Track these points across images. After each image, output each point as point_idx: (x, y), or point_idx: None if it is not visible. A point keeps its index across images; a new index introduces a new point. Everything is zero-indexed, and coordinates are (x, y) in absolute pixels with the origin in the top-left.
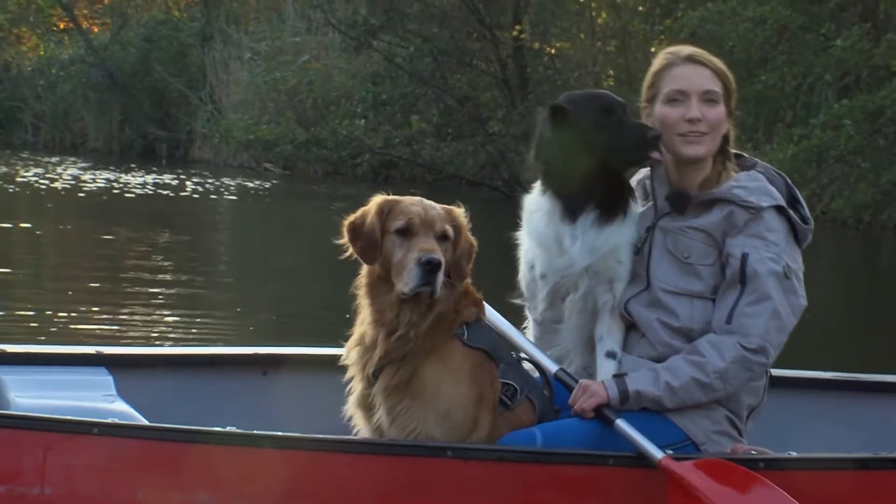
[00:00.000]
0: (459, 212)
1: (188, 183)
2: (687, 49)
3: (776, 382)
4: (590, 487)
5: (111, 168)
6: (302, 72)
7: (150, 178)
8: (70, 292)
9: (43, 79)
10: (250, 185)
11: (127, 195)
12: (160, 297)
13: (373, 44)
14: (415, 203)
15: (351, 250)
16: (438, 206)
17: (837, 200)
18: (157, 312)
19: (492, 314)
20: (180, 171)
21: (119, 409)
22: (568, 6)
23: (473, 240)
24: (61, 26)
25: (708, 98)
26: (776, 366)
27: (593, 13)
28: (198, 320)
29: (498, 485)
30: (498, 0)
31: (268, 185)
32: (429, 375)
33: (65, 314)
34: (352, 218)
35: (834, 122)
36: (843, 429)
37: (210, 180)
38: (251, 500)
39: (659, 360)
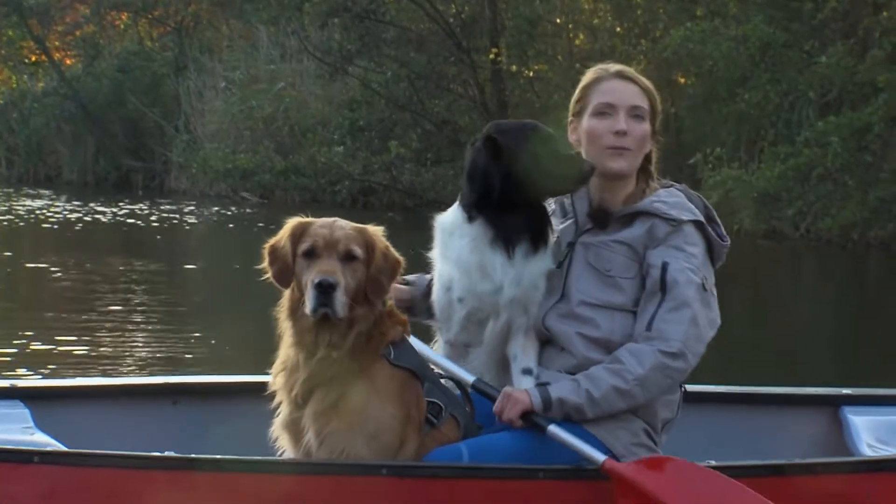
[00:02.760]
0: (374, 230)
1: (163, 213)
2: (616, 66)
3: (689, 398)
4: (522, 501)
5: (85, 200)
6: (278, 99)
7: (124, 209)
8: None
9: (16, 111)
10: (227, 214)
11: (99, 226)
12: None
13: (348, 70)
14: (323, 225)
15: (268, 274)
16: (349, 226)
17: (825, 219)
18: (94, 342)
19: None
20: (156, 201)
21: (41, 441)
22: (544, 28)
23: (398, 257)
24: (33, 59)
25: (635, 114)
26: (691, 381)
27: (570, 35)
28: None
29: (431, 501)
30: (475, 23)
31: (245, 213)
32: (356, 397)
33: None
34: (272, 241)
35: (820, 140)
36: (751, 439)
37: (187, 210)
38: None
39: (578, 372)
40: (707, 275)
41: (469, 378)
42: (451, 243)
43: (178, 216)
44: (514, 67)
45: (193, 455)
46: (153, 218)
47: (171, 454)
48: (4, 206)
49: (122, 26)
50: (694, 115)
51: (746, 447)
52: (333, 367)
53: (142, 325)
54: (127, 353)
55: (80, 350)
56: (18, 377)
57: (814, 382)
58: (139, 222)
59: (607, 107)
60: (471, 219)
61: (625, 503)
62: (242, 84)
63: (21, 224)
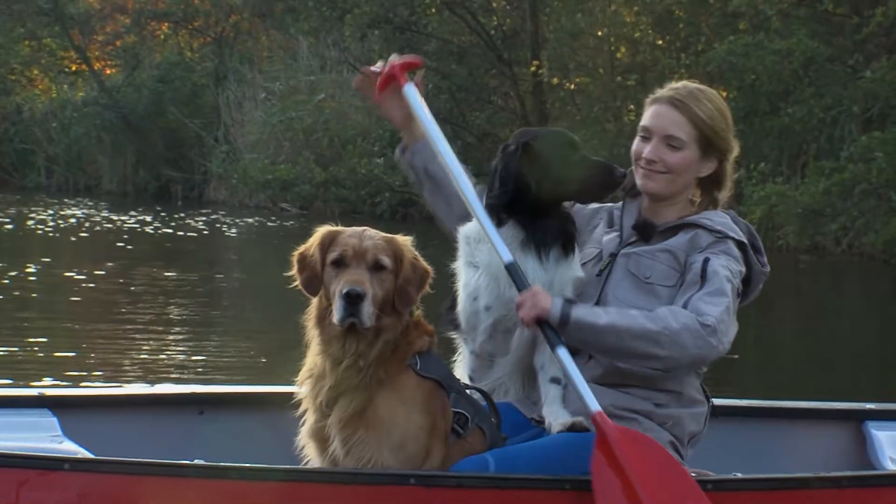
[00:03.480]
0: (403, 240)
1: (202, 223)
2: (684, 89)
3: (714, 412)
4: None
5: (124, 210)
6: (318, 111)
7: (163, 220)
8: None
9: (56, 121)
10: (266, 225)
11: (138, 236)
12: (139, 334)
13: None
14: (353, 234)
15: (297, 281)
16: (378, 236)
17: (868, 234)
18: (125, 351)
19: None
20: (195, 211)
21: (69, 449)
22: (586, 41)
23: (427, 267)
24: (73, 68)
25: (669, 143)
26: (716, 395)
27: (612, 47)
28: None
29: None
30: (516, 36)
31: (285, 224)
32: (383, 406)
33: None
34: (301, 249)
35: (864, 155)
36: (776, 453)
37: (225, 220)
38: None
39: (607, 383)
40: (738, 285)
41: (507, 257)
42: (480, 248)
43: (216, 226)
44: (555, 80)
45: (220, 463)
46: (192, 228)
47: (200, 462)
48: (44, 215)
49: (162, 36)
50: (735, 130)
51: (770, 461)
52: (359, 375)
53: (174, 335)
54: (157, 362)
55: (110, 359)
56: (47, 386)
57: (852, 397)
58: (178, 232)
59: (645, 130)
60: (500, 222)
61: (598, 454)
62: (282, 95)
63: (59, 233)
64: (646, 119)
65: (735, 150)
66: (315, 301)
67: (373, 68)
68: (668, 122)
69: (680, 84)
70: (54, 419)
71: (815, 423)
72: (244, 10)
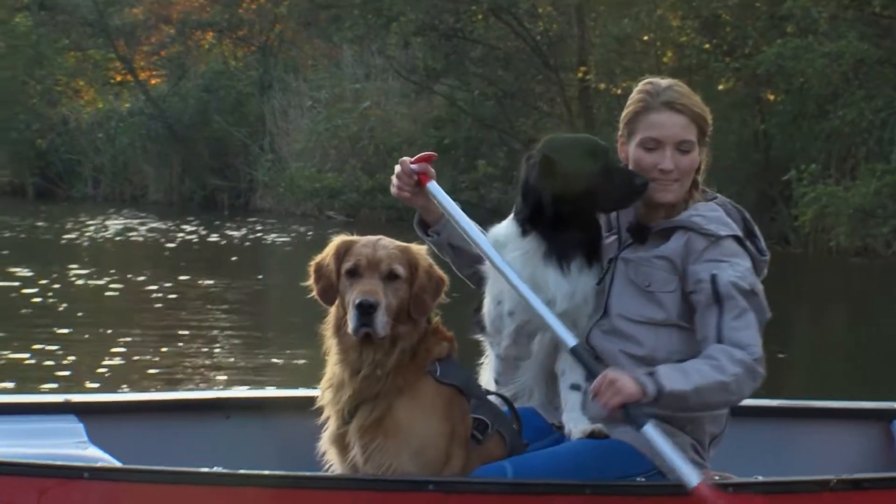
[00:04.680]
0: (417, 249)
1: (248, 231)
2: (665, 90)
3: (739, 412)
4: None
5: (170, 219)
6: (363, 118)
7: (209, 228)
8: (87, 336)
9: (102, 132)
10: (312, 232)
11: (184, 245)
12: (182, 340)
13: (434, 88)
14: (367, 244)
15: (313, 291)
16: (392, 245)
17: None
18: (163, 356)
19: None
20: (241, 220)
21: (94, 455)
22: (633, 46)
23: (442, 275)
24: (118, 79)
25: (682, 148)
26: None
27: (658, 52)
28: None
29: None
30: (562, 41)
31: (331, 232)
32: (402, 413)
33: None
34: (317, 259)
35: None
36: (804, 453)
37: (272, 228)
38: None
39: None
40: (753, 280)
41: (571, 341)
42: (504, 256)
43: (262, 235)
44: (601, 85)
45: (239, 471)
46: (237, 236)
47: (219, 469)
48: (90, 224)
49: (206, 46)
50: (783, 132)
51: (795, 462)
52: (378, 384)
53: (214, 340)
54: (190, 368)
55: (139, 365)
56: (73, 392)
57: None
58: (222, 241)
59: (653, 142)
60: (524, 233)
61: None
62: (327, 103)
63: (103, 243)
64: (649, 130)
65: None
66: (333, 310)
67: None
68: (677, 128)
69: (655, 85)
70: (80, 425)
71: (843, 422)
72: (289, 19)
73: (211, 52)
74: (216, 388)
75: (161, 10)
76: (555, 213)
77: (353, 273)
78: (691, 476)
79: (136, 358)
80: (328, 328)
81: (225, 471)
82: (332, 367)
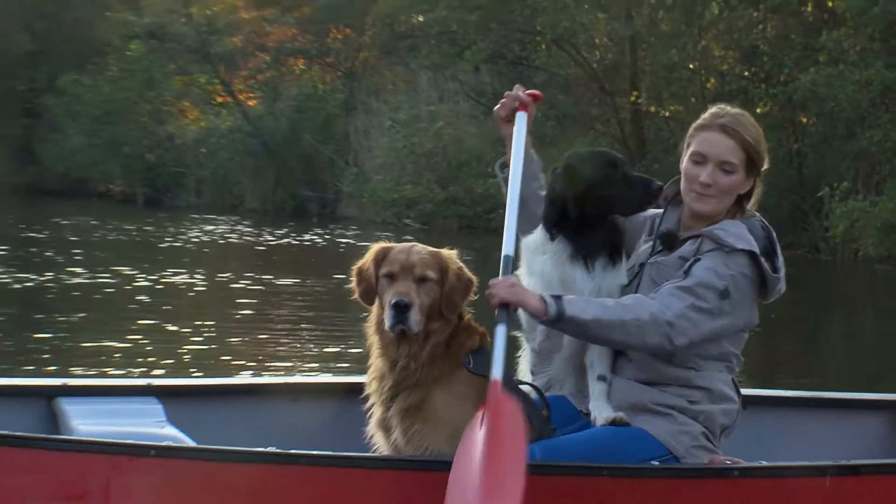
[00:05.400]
0: (448, 254)
1: (333, 237)
2: (726, 115)
3: (754, 401)
4: (589, 496)
5: (264, 226)
6: (437, 137)
7: (298, 234)
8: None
9: (204, 147)
10: (393, 237)
11: (275, 248)
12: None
13: None
14: (402, 250)
15: (355, 293)
16: (425, 251)
17: None
18: (245, 345)
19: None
20: (328, 227)
21: (170, 434)
22: (679, 73)
23: (471, 276)
24: (219, 100)
25: (724, 168)
26: (746, 386)
27: (702, 79)
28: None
29: None
30: (616, 69)
31: (408, 238)
32: (438, 401)
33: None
34: (358, 264)
35: None
36: (805, 441)
37: (354, 234)
38: None
39: (646, 381)
40: (733, 288)
41: (508, 250)
42: (536, 259)
43: (345, 239)
44: (651, 108)
45: (291, 451)
46: (321, 242)
47: (273, 449)
48: (194, 229)
49: (298, 71)
50: (815, 151)
51: (806, 449)
52: (414, 374)
53: (287, 331)
54: (269, 354)
55: (218, 352)
56: (156, 377)
57: None
58: (308, 244)
59: (700, 156)
60: (552, 237)
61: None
62: (405, 123)
63: (203, 246)
64: (699, 145)
65: (766, 166)
66: (374, 310)
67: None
68: (722, 148)
69: (722, 109)
70: (160, 406)
71: (854, 412)
72: (372, 47)
73: (302, 76)
74: (284, 374)
75: (257, 39)
76: (578, 218)
77: (390, 277)
78: (497, 373)
79: (213, 346)
80: (370, 326)
81: (278, 451)
82: (375, 359)
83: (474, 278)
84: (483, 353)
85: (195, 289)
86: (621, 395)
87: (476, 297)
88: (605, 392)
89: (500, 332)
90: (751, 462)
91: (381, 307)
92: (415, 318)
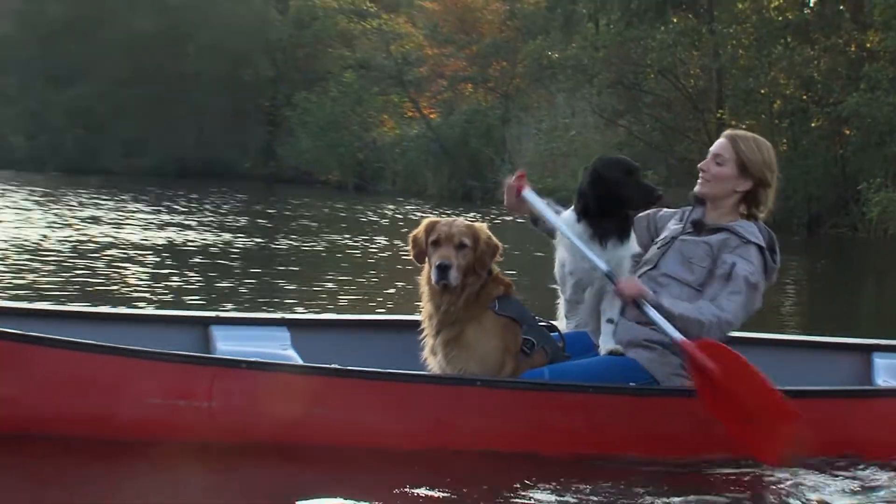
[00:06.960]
0: (479, 226)
1: (488, 216)
2: (735, 133)
3: (745, 342)
4: (577, 409)
5: (441, 206)
6: (570, 143)
7: (463, 212)
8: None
9: (398, 148)
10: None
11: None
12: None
13: (619, 123)
14: (445, 224)
15: (411, 255)
16: (463, 224)
17: None
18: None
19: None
20: (488, 209)
21: (287, 355)
22: (754, 96)
23: (498, 243)
24: (409, 114)
25: (716, 160)
26: (748, 329)
27: (771, 100)
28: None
29: (514, 407)
30: (706, 92)
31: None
32: (470, 335)
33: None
34: (413, 233)
35: None
36: (783, 377)
37: (506, 216)
38: (354, 416)
39: (642, 323)
40: (760, 280)
41: (603, 267)
42: (564, 238)
43: (496, 218)
44: (732, 122)
45: (372, 368)
46: (485, 220)
47: (335, 366)
48: (388, 210)
49: (467, 93)
50: (856, 156)
51: (784, 383)
52: (454, 315)
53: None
54: (390, 296)
55: (352, 293)
56: (288, 311)
57: None
58: (474, 221)
59: (709, 152)
60: (578, 220)
61: (690, 370)
62: (546, 132)
63: (386, 221)
64: (713, 145)
65: (772, 184)
66: (425, 268)
67: (507, 182)
68: (720, 148)
69: (735, 130)
70: (287, 333)
71: (831, 352)
72: (523, 76)
73: (470, 97)
74: (390, 313)
75: (438, 69)
76: (597, 208)
77: (436, 243)
78: (676, 334)
79: (346, 288)
80: (423, 280)
81: (358, 368)
82: (426, 304)
83: (500, 245)
84: (510, 300)
85: (355, 251)
86: (623, 333)
87: (502, 259)
88: (611, 331)
89: (650, 311)
90: None
91: (430, 266)
92: (454, 276)
